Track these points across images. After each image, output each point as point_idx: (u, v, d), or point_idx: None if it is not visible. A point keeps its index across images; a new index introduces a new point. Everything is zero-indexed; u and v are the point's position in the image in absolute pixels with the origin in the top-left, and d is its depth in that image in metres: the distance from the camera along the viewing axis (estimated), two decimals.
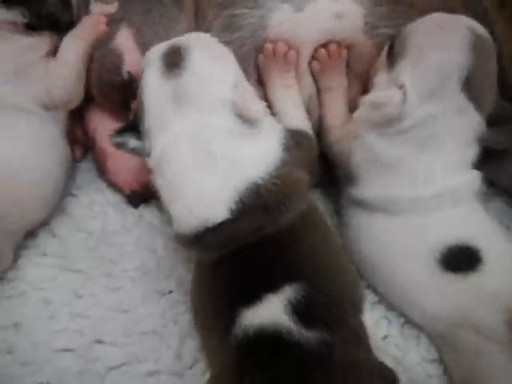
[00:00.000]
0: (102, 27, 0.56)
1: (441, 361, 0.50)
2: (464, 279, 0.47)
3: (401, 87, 0.49)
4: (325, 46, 0.56)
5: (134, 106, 0.53)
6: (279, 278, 0.40)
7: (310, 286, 0.40)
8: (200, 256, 0.45)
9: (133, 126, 0.47)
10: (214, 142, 0.43)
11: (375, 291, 0.54)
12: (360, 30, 0.57)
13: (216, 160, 0.43)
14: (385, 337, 0.51)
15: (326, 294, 0.41)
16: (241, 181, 0.42)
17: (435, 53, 0.49)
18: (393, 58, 0.53)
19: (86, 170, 0.64)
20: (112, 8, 0.56)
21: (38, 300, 0.51)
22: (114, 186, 0.61)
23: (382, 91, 0.51)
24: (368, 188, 0.53)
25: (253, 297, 0.39)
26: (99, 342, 0.49)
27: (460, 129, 0.50)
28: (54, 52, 0.57)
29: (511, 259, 0.49)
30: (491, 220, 0.52)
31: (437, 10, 0.56)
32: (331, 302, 0.41)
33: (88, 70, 0.57)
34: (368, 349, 0.41)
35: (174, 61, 0.44)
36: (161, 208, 0.62)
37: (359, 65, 0.59)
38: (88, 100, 0.61)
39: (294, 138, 0.48)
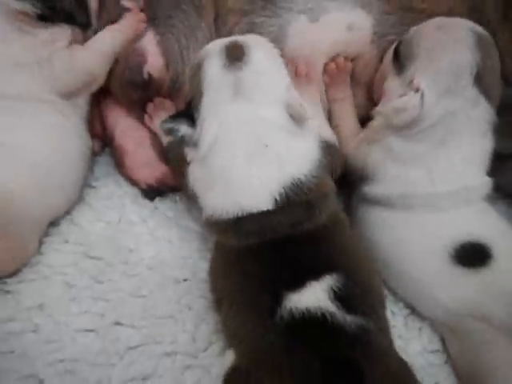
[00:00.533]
0: (142, 25, 0.58)
1: (442, 351, 0.53)
2: (476, 274, 0.50)
3: (417, 90, 0.51)
4: (333, 59, 0.60)
5: (187, 94, 0.53)
6: (319, 267, 0.43)
7: (346, 276, 0.43)
8: (234, 242, 0.46)
9: (184, 114, 0.48)
10: (266, 135, 0.45)
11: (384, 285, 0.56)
12: (369, 40, 0.60)
13: (266, 152, 0.45)
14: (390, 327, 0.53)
15: (361, 286, 0.44)
16: (286, 175, 0.45)
17: (445, 54, 0.51)
18: (401, 63, 0.55)
19: (105, 163, 0.67)
20: (137, 3, 0.58)
21: (60, 283, 0.53)
22: (130, 181, 0.64)
23: (399, 97, 0.52)
24: (385, 186, 0.55)
25: (298, 282, 0.42)
26: (118, 323, 0.51)
27: (476, 121, 0.52)
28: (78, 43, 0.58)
29: None
30: (501, 219, 0.54)
31: (446, 14, 0.58)
32: (365, 292, 0.44)
33: (112, 67, 0.59)
34: (392, 342, 0.44)
35: (236, 55, 0.47)
36: (175, 201, 0.65)
37: (366, 74, 0.62)
38: (107, 97, 0.63)
39: (325, 145, 0.50)
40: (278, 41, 0.58)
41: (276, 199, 0.44)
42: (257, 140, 0.45)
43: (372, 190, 0.56)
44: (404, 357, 0.49)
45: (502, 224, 0.54)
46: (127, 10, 0.59)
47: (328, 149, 0.50)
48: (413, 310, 0.55)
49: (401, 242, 0.54)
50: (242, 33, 0.59)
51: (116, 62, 0.59)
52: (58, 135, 0.56)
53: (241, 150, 0.45)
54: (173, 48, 0.58)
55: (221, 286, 0.48)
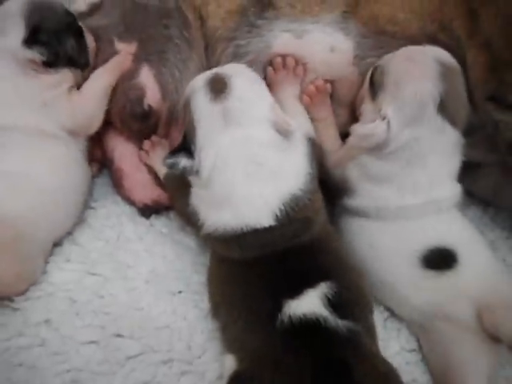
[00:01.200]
0: (128, 64, 0.63)
1: (418, 350, 0.57)
2: (442, 277, 0.54)
3: (383, 118, 0.55)
4: (312, 82, 0.64)
5: (180, 130, 0.58)
6: (315, 276, 0.47)
7: (339, 284, 0.47)
8: (237, 255, 0.50)
9: (181, 148, 0.52)
10: (260, 153, 0.50)
11: None
12: (350, 62, 0.64)
13: (262, 170, 0.49)
14: None
15: (351, 292, 0.48)
16: (284, 191, 0.49)
17: (410, 84, 0.55)
18: (374, 89, 0.59)
19: (102, 184, 0.71)
20: (132, 48, 0.63)
21: (64, 299, 0.57)
22: (128, 201, 0.68)
23: (368, 123, 0.57)
24: (362, 199, 0.60)
25: (296, 290, 0.46)
26: (119, 335, 0.55)
27: (441, 145, 0.56)
28: (78, 85, 0.63)
29: (484, 260, 0.56)
30: (469, 226, 0.59)
31: (416, 37, 0.63)
32: (356, 299, 0.49)
33: (111, 100, 0.64)
34: (377, 345, 0.48)
35: (219, 87, 0.51)
36: (170, 218, 0.69)
37: (348, 95, 0.66)
38: (107, 124, 0.67)
39: (311, 143, 0.55)
40: (263, 54, 0.62)
41: (277, 215, 0.48)
42: (252, 160, 0.49)
43: (350, 201, 0.61)
44: (384, 356, 0.53)
45: (470, 230, 0.58)
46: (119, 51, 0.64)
47: (313, 145, 0.55)
48: (392, 313, 0.59)
49: (377, 249, 0.58)
50: (230, 56, 0.64)
51: (115, 98, 0.64)
52: (61, 165, 0.61)
53: (239, 172, 0.49)
54: (168, 80, 0.63)
55: (220, 294, 0.52)
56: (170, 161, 0.52)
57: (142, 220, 0.67)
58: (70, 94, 0.62)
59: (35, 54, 0.59)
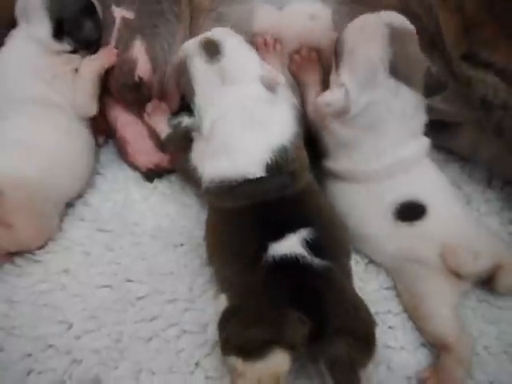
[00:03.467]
0: (113, 59, 0.69)
1: (394, 288, 0.62)
2: (413, 226, 0.59)
3: (341, 85, 0.58)
4: (298, 51, 0.68)
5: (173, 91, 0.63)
6: (296, 223, 0.53)
7: (317, 230, 0.53)
8: (226, 203, 0.56)
9: (182, 109, 0.58)
10: (253, 108, 0.56)
11: None
12: (330, 28, 0.68)
13: (255, 121, 0.55)
14: (354, 272, 0.59)
15: (329, 237, 0.54)
16: (275, 142, 0.55)
17: (361, 51, 0.58)
18: (336, 59, 0.62)
19: (109, 152, 0.78)
20: (129, 15, 0.69)
21: (79, 252, 0.64)
22: (132, 166, 0.75)
23: (330, 90, 0.60)
24: (336, 162, 0.65)
25: (278, 235, 0.52)
26: (129, 280, 0.61)
27: (399, 107, 0.59)
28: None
29: (451, 210, 0.61)
30: (439, 177, 0.63)
31: (389, 6, 0.65)
32: (332, 243, 0.54)
33: (109, 74, 0.70)
34: (352, 284, 0.54)
35: (212, 50, 0.57)
36: (171, 181, 0.76)
37: (329, 59, 0.68)
38: (109, 97, 0.74)
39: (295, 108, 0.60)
40: (244, 26, 0.66)
41: (267, 166, 0.54)
42: (247, 114, 0.55)
43: (328, 163, 0.66)
44: (363, 293, 0.60)
45: (440, 182, 0.63)
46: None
47: (298, 113, 0.60)
48: (371, 259, 0.65)
49: (355, 207, 0.63)
50: (212, 23, 0.68)
51: (112, 70, 0.70)
52: (67, 134, 0.68)
53: (236, 124, 0.55)
54: (158, 53, 0.68)
55: (214, 242, 0.58)
56: (175, 121, 0.58)
57: (146, 184, 0.74)
58: (74, 76, 0.68)
59: (65, 46, 0.66)
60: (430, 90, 0.61)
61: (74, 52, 0.68)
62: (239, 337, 0.48)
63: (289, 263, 0.51)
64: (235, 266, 0.54)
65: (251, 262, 0.52)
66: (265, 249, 0.52)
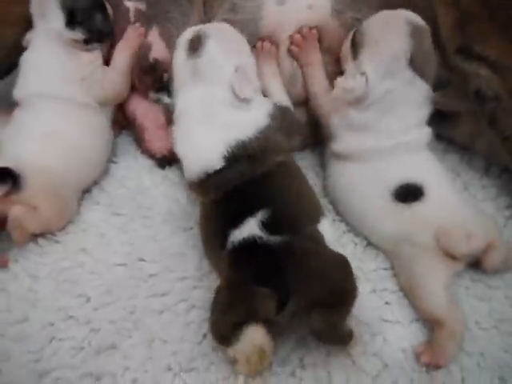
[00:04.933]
0: (142, 38, 0.73)
1: (391, 268, 0.66)
2: (409, 208, 0.62)
3: (363, 74, 0.63)
4: (298, 30, 0.71)
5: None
6: (255, 206, 0.55)
7: (274, 209, 0.55)
8: (203, 196, 0.60)
9: (166, 87, 0.63)
10: (214, 107, 0.60)
11: (347, 222, 0.70)
12: (328, 14, 0.71)
13: (215, 121, 0.59)
14: (351, 255, 0.65)
15: (288, 213, 0.57)
16: (232, 138, 0.59)
17: (385, 44, 0.63)
18: (355, 49, 0.67)
19: (123, 143, 0.83)
20: (142, 6, 0.73)
21: (96, 234, 0.69)
22: (148, 152, 0.79)
23: (350, 78, 0.65)
24: (342, 143, 0.69)
25: (238, 221, 0.55)
26: (141, 259, 0.66)
27: (412, 96, 0.64)
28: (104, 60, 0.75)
29: (447, 194, 0.64)
30: (437, 165, 0.67)
31: None
32: (290, 217, 0.56)
33: None
34: (323, 245, 0.57)
35: (195, 46, 0.61)
36: (181, 169, 0.80)
37: (330, 41, 0.73)
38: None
39: (279, 110, 0.63)
40: (254, 21, 0.71)
41: (224, 157, 0.58)
42: (207, 111, 0.59)
43: (334, 146, 0.70)
44: (362, 272, 0.64)
45: (437, 168, 0.66)
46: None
47: (282, 112, 0.63)
48: (370, 242, 0.68)
49: (356, 188, 0.67)
50: (225, 12, 0.72)
51: None
52: (89, 128, 0.73)
53: (195, 119, 0.60)
54: (172, 35, 0.72)
55: (201, 235, 0.62)
56: (157, 96, 0.64)
57: (158, 171, 0.79)
58: (103, 70, 0.73)
59: (77, 34, 0.71)
60: (436, 84, 0.67)
61: (87, 42, 0.72)
62: (217, 326, 0.52)
63: (249, 246, 0.53)
64: (213, 256, 0.58)
65: (220, 250, 0.55)
66: (226, 237, 0.54)
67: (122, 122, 0.82)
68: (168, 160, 0.78)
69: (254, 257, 0.53)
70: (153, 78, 0.75)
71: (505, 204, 0.74)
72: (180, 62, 0.63)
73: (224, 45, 0.62)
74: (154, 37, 0.74)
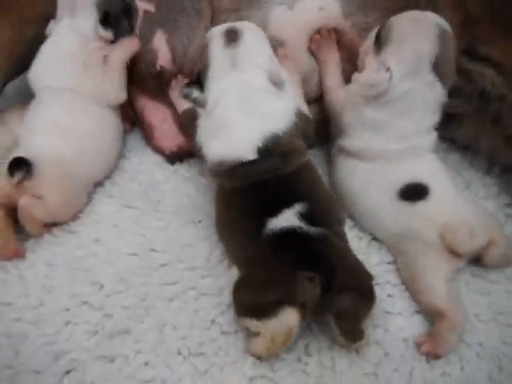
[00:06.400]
0: (136, 48, 0.75)
1: (393, 262, 0.68)
2: (415, 206, 0.64)
3: (387, 69, 0.63)
4: (318, 31, 0.73)
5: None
6: (291, 199, 0.58)
7: (310, 204, 0.58)
8: (228, 184, 0.62)
9: (195, 82, 0.66)
10: (253, 94, 0.62)
11: (352, 218, 0.72)
12: (340, 15, 0.73)
13: (254, 109, 0.61)
14: (356, 250, 0.64)
15: (321, 209, 0.60)
16: (268, 130, 0.61)
17: (412, 43, 0.63)
18: (379, 45, 0.66)
19: (134, 139, 0.85)
20: (151, 7, 0.76)
21: (109, 225, 0.71)
22: (157, 149, 0.81)
23: (373, 73, 0.64)
24: (353, 140, 0.70)
25: (275, 211, 0.57)
26: (153, 250, 0.68)
27: (430, 99, 0.65)
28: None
29: (451, 193, 0.65)
30: (441, 166, 0.69)
31: (397, 1, 0.72)
32: (325, 214, 0.60)
33: (134, 64, 0.77)
34: (348, 246, 0.60)
35: (232, 37, 0.65)
36: (191, 165, 0.82)
37: (342, 40, 0.75)
38: (135, 88, 0.81)
39: (303, 115, 0.66)
40: (261, 25, 0.72)
41: (259, 148, 0.60)
42: (246, 99, 0.62)
43: (344, 142, 0.72)
44: (366, 266, 0.65)
45: (441, 169, 0.68)
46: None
47: (301, 116, 0.65)
48: (374, 237, 0.71)
49: (364, 185, 0.69)
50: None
51: (136, 60, 0.77)
52: (98, 120, 0.75)
53: (235, 106, 0.62)
54: (178, 45, 0.75)
55: (221, 220, 0.64)
56: (186, 90, 0.65)
57: (168, 166, 0.81)
58: (104, 66, 0.75)
59: (107, 33, 0.74)
60: (451, 92, 0.67)
61: (111, 42, 0.75)
62: (252, 299, 0.54)
63: (288, 234, 0.56)
64: (239, 242, 0.60)
65: (253, 237, 0.57)
66: (264, 224, 0.57)
67: (133, 118, 0.85)
68: (177, 156, 0.81)
69: (296, 244, 0.55)
70: (157, 85, 0.77)
71: (505, 202, 0.76)
72: (218, 51, 0.65)
73: (256, 37, 0.66)
74: (161, 44, 0.76)
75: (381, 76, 0.63)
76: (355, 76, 0.67)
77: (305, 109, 0.69)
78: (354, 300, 0.53)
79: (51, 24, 0.75)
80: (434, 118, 0.68)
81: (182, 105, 0.72)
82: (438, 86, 0.65)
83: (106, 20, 0.73)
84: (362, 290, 0.54)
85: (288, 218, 0.57)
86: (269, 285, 0.54)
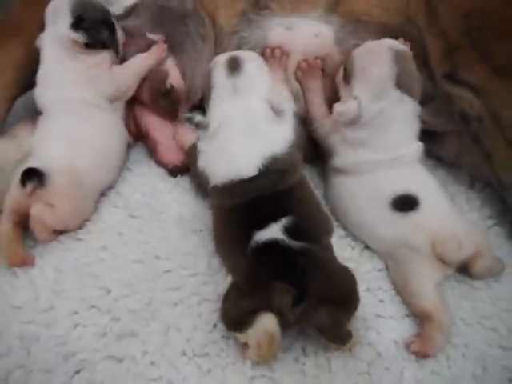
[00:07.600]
0: (163, 54, 0.81)
1: (385, 269, 0.72)
2: (406, 216, 0.68)
3: (355, 98, 0.70)
4: (305, 59, 0.79)
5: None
6: (278, 214, 0.62)
7: (296, 218, 0.62)
8: (225, 202, 0.65)
9: (198, 108, 0.70)
10: (254, 120, 0.67)
11: (345, 228, 0.77)
12: (332, 43, 0.80)
13: (255, 133, 0.66)
14: (348, 258, 0.72)
15: (307, 223, 0.63)
16: (268, 151, 0.65)
17: (372, 70, 0.71)
18: (347, 77, 0.74)
19: (137, 152, 0.88)
20: (160, 38, 0.81)
21: (114, 233, 0.74)
22: (160, 163, 0.85)
23: (344, 102, 0.72)
24: (341, 158, 0.75)
25: (262, 225, 0.60)
26: (157, 257, 0.71)
27: (402, 113, 0.71)
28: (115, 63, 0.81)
29: (440, 204, 0.70)
30: (430, 177, 0.73)
31: (386, 27, 0.79)
32: (310, 228, 0.64)
33: (144, 82, 0.82)
34: (334, 258, 0.63)
35: (234, 66, 0.70)
36: (191, 178, 0.86)
37: (333, 69, 0.80)
38: (142, 106, 0.86)
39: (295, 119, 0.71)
40: (260, 43, 0.78)
41: (259, 168, 0.64)
42: (248, 124, 0.66)
43: (333, 161, 0.77)
44: (358, 273, 0.68)
45: (430, 181, 0.73)
46: (153, 42, 0.81)
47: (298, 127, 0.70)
48: (366, 246, 0.75)
49: (355, 197, 0.74)
50: (234, 45, 0.81)
51: (147, 80, 0.82)
52: (104, 130, 0.78)
53: (237, 130, 0.66)
54: (186, 67, 0.81)
55: (217, 236, 0.68)
56: (188, 115, 0.71)
57: (170, 179, 0.84)
58: (111, 70, 0.80)
59: (79, 36, 0.76)
60: (424, 99, 0.74)
61: (88, 46, 0.77)
62: (233, 310, 0.57)
63: (271, 247, 0.59)
64: (232, 255, 0.63)
65: (242, 248, 0.60)
66: (250, 237, 0.60)
67: (136, 133, 0.89)
68: (179, 170, 0.85)
69: (276, 257, 0.58)
70: (168, 102, 0.82)
71: (488, 214, 0.81)
72: (221, 79, 0.70)
73: (257, 67, 0.71)
74: (171, 66, 0.82)
75: (350, 105, 0.70)
76: (334, 106, 0.73)
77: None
78: (330, 314, 0.55)
79: (40, 36, 0.79)
80: (413, 127, 0.73)
81: (189, 140, 0.76)
82: (407, 99, 0.71)
83: (77, 23, 0.76)
84: (340, 299, 0.57)
85: (273, 231, 0.60)
86: (248, 294, 0.57)
